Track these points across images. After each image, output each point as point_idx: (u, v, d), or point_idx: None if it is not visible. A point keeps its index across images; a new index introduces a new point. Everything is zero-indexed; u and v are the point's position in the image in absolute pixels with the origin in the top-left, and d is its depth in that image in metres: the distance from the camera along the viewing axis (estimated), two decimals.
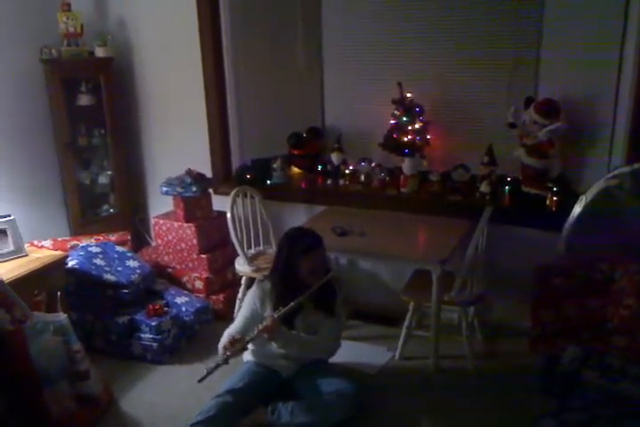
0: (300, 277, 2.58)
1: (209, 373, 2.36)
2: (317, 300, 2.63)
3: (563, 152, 3.19)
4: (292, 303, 2.50)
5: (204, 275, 3.64)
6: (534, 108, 3.08)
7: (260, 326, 2.46)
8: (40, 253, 3.16)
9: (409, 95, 3.35)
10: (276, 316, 2.49)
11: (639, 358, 2.42)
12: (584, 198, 2.62)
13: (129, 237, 3.86)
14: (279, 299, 2.59)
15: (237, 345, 2.43)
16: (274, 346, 2.56)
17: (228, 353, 2.41)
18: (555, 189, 3.12)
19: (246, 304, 2.72)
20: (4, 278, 2.71)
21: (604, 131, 3.09)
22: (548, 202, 3.14)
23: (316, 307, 2.65)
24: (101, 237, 3.72)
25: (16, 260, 3.03)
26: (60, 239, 3.62)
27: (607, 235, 2.53)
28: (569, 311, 2.59)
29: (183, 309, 3.36)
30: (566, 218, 2.68)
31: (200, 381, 2.35)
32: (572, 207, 2.66)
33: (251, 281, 3.23)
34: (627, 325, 2.45)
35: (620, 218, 2.54)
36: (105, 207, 4.11)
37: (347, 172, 3.66)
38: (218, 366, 2.38)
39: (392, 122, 3.39)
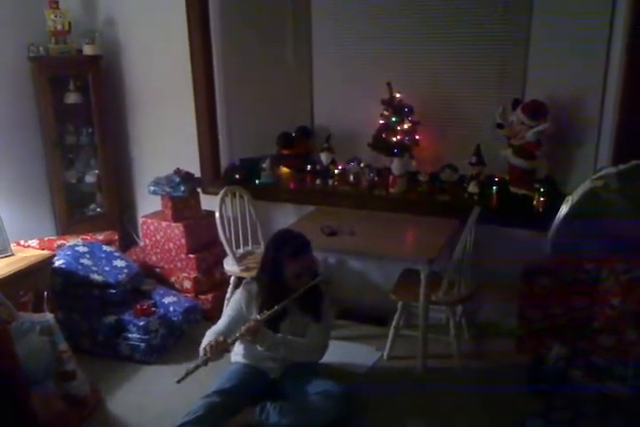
0: (287, 281, 2.57)
1: (188, 373, 2.35)
2: (304, 303, 2.62)
3: (550, 153, 3.22)
4: (276, 307, 2.50)
5: (193, 275, 3.63)
6: (521, 110, 3.11)
7: (243, 328, 2.45)
8: (26, 252, 3.14)
9: (398, 95, 3.36)
10: (259, 318, 2.49)
11: (625, 357, 2.45)
12: (570, 199, 2.63)
13: (116, 237, 3.84)
14: (265, 302, 2.58)
15: (219, 347, 2.42)
16: (259, 348, 2.55)
17: (208, 355, 2.40)
18: (541, 189, 3.16)
19: (232, 305, 2.72)
20: None
21: (590, 132, 3.12)
22: (534, 202, 3.16)
23: (302, 310, 2.64)
24: (88, 237, 3.70)
25: (2, 259, 3.01)
26: (46, 239, 3.59)
27: (593, 235, 2.55)
28: (555, 311, 2.61)
29: (171, 309, 3.34)
30: (553, 218, 2.70)
31: (179, 381, 2.34)
32: (559, 208, 2.68)
33: (239, 281, 3.22)
34: (613, 324, 2.48)
35: (606, 218, 2.56)
36: (92, 206, 4.08)
37: (336, 172, 3.66)
38: (197, 367, 2.37)
39: (381, 122, 3.40)
